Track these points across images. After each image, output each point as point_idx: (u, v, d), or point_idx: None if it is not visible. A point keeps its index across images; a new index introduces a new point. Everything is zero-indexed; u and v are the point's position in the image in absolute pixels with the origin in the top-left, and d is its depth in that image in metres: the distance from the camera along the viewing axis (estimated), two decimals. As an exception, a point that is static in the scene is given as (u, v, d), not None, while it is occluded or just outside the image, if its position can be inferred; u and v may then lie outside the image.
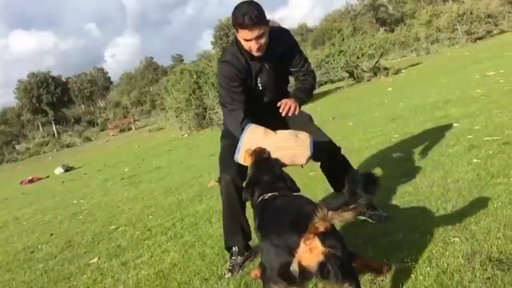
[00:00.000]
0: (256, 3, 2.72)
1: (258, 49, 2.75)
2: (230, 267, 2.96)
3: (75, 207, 7.34)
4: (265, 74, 2.92)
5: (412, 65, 22.45)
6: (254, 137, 2.70)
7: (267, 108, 2.98)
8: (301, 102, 2.93)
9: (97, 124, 53.42)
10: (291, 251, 1.71)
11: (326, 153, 3.04)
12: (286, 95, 3.03)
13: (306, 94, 3.02)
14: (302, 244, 1.70)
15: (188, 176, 7.01)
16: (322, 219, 1.69)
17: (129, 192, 7.41)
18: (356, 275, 1.89)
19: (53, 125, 58.27)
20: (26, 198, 10.93)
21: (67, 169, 16.08)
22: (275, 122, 2.91)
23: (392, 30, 44.50)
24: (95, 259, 4.04)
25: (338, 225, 3.31)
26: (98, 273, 3.63)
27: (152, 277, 3.23)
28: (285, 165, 2.63)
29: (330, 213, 1.69)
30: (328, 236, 1.73)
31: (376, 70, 20.67)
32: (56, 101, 60.31)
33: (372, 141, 6.15)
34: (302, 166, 2.77)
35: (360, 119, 8.96)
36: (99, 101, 76.42)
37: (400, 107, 8.85)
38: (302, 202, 2.16)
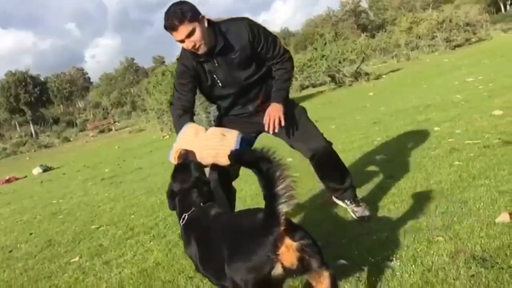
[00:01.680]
0: (184, 2, 2.64)
1: (194, 48, 2.65)
2: None
3: (55, 206, 7.22)
4: (220, 71, 2.82)
5: (393, 71, 22.71)
6: (186, 136, 2.69)
7: (246, 97, 2.95)
8: (284, 98, 2.94)
9: (76, 125, 52.65)
10: (273, 257, 1.67)
11: (316, 148, 3.00)
12: (264, 77, 2.95)
13: (286, 85, 2.97)
14: (281, 247, 1.68)
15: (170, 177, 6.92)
16: (280, 218, 1.68)
17: (110, 192, 7.32)
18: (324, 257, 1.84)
19: (31, 125, 57.26)
20: (3, 198, 10.70)
21: (46, 169, 15.79)
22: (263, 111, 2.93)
23: (373, 36, 45.03)
24: (77, 258, 3.98)
25: (322, 224, 3.35)
26: (80, 272, 3.57)
27: (135, 275, 3.20)
28: (208, 166, 2.61)
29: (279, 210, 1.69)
30: (293, 230, 1.73)
31: (357, 75, 20.84)
32: (34, 100, 59.44)
33: (355, 143, 6.21)
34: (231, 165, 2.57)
35: (342, 122, 9.03)
36: (78, 102, 75.48)
37: (382, 111, 8.95)
38: (234, 215, 2.30)
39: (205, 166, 2.58)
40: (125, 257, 3.70)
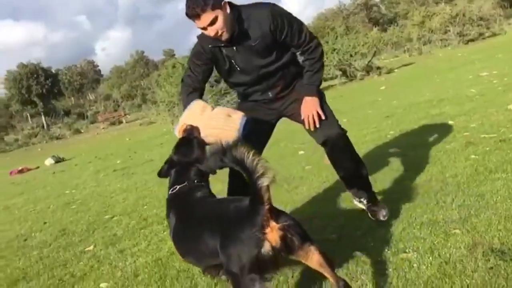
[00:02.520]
0: None
1: (216, 35, 2.61)
2: None
3: (68, 197, 7.28)
4: (239, 57, 2.77)
5: (405, 65, 22.55)
6: (192, 112, 2.70)
7: (266, 84, 2.90)
8: (317, 91, 2.89)
9: (87, 117, 52.99)
10: (260, 235, 1.78)
11: (329, 135, 2.90)
12: (285, 65, 2.88)
13: (317, 77, 2.89)
14: (266, 227, 1.80)
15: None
16: (264, 195, 1.79)
17: (122, 183, 7.36)
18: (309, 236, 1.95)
19: (43, 116, 57.70)
20: (16, 188, 10.81)
21: (58, 160, 15.91)
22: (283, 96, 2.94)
23: (385, 30, 44.75)
24: (91, 247, 4.01)
25: (336, 216, 3.34)
26: (95, 260, 3.61)
27: (150, 264, 3.22)
28: (209, 144, 2.58)
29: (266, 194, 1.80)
30: (276, 214, 1.85)
31: (368, 69, 20.74)
32: (46, 92, 59.79)
33: (368, 137, 6.17)
34: None
35: (354, 116, 8.97)
36: (89, 94, 75.92)
37: (394, 105, 8.89)
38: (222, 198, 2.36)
39: (207, 144, 2.59)
40: (139, 246, 3.72)
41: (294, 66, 2.93)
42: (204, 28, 2.60)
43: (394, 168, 4.24)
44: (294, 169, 5.26)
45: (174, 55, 71.37)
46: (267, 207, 1.80)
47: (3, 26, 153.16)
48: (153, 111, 27.04)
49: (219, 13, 2.55)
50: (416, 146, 4.85)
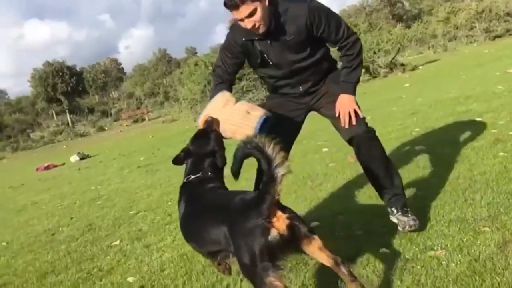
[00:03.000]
0: None
1: (253, 28, 2.57)
2: None
3: (93, 193, 7.40)
4: (272, 52, 2.74)
5: (430, 62, 22.23)
6: (215, 105, 2.71)
7: (297, 78, 2.86)
8: (354, 89, 2.82)
9: (110, 115, 53.66)
10: (267, 224, 1.83)
11: (355, 131, 2.79)
12: (318, 61, 2.85)
13: (355, 74, 2.81)
14: (273, 217, 1.86)
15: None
16: (275, 193, 1.87)
17: (147, 180, 7.45)
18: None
19: (67, 114, 58.66)
20: (43, 184, 11.03)
21: (83, 157, 16.19)
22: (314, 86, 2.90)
23: (409, 27, 44.07)
24: (117, 242, 4.07)
25: (362, 212, 3.31)
26: (121, 255, 3.66)
27: (176, 259, 3.26)
28: (226, 138, 2.63)
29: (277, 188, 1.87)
30: (282, 207, 1.92)
31: (392, 66, 20.51)
32: (71, 90, 60.68)
33: (392, 134, 6.10)
34: None
35: (378, 113, 8.87)
36: (113, 92, 76.87)
37: (419, 102, 8.78)
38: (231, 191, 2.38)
39: (225, 138, 2.62)
40: (165, 241, 3.76)
41: (327, 61, 2.91)
42: (241, 20, 2.56)
43: (420, 166, 4.18)
44: (318, 166, 5.23)
45: (196, 53, 71.68)
46: (276, 197, 1.86)
47: (29, 25, 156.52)
48: (175, 108, 27.29)
49: (258, 5, 2.52)
50: (443, 144, 4.77)
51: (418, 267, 2.33)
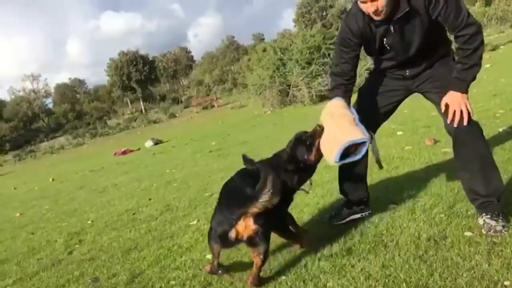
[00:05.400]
0: None
1: (375, 13, 2.50)
2: (333, 214, 3.23)
3: (168, 176, 7.68)
4: (392, 37, 2.65)
5: None
6: (326, 112, 2.81)
7: (409, 62, 2.78)
8: (467, 88, 2.55)
9: (181, 102, 55.27)
10: (232, 223, 2.45)
11: (459, 126, 2.55)
12: (435, 47, 2.74)
13: (469, 73, 2.54)
14: (241, 220, 2.43)
15: (279, 148, 6.98)
16: (256, 206, 2.38)
17: (219, 163, 7.61)
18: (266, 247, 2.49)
19: (141, 101, 61.05)
20: (121, 167, 11.60)
21: (157, 142, 16.84)
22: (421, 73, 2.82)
23: (489, 4, 41.46)
24: (195, 222, 4.20)
25: (445, 195, 3.18)
26: (199, 234, 3.77)
27: (251, 238, 3.30)
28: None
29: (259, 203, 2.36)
30: (259, 217, 2.41)
31: (470, 46, 19.43)
32: (144, 78, 62.88)
33: (474, 116, 5.78)
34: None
35: (456, 95, 8.48)
36: (183, 80, 78.87)
37: (502, 83, 8.29)
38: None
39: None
40: (240, 222, 3.82)
41: (443, 47, 2.79)
42: (364, 2, 2.51)
43: (506, 148, 3.96)
44: (393, 149, 5.10)
45: (263, 39, 71.87)
46: (248, 215, 2.44)
47: (105, 17, 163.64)
48: (243, 95, 27.53)
49: None
50: (530, 125, 4.49)
51: (508, 250, 2.22)
